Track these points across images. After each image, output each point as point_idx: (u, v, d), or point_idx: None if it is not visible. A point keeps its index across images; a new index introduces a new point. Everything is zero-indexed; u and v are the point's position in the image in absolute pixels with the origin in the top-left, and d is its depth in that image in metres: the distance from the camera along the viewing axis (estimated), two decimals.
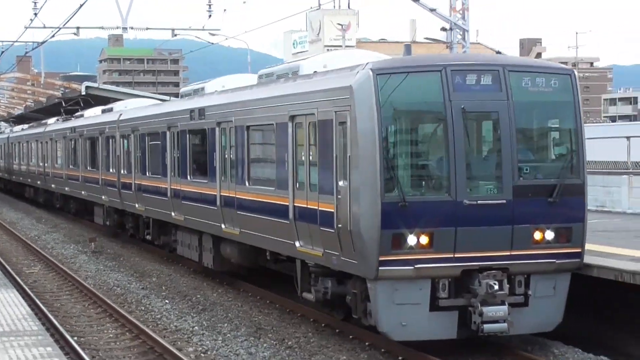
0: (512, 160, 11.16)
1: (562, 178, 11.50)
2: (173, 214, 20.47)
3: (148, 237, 24.18)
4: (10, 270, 24.03)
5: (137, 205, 23.88)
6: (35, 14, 29.85)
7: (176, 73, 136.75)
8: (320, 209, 12.26)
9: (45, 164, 41.31)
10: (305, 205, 13.02)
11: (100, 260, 26.72)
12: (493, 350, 12.45)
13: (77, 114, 40.51)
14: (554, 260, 11.48)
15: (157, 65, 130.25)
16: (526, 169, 11.47)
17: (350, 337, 14.19)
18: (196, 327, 15.89)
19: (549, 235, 11.38)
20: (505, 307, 10.94)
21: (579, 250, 11.75)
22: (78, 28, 35.86)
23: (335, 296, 12.87)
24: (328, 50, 25.11)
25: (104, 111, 31.52)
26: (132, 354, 13.96)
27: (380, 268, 10.62)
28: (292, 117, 13.47)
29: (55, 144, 38.27)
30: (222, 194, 17.05)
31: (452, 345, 12.43)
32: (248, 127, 15.76)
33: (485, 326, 10.76)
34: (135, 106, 27.35)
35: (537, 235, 11.32)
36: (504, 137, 11.19)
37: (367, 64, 11.33)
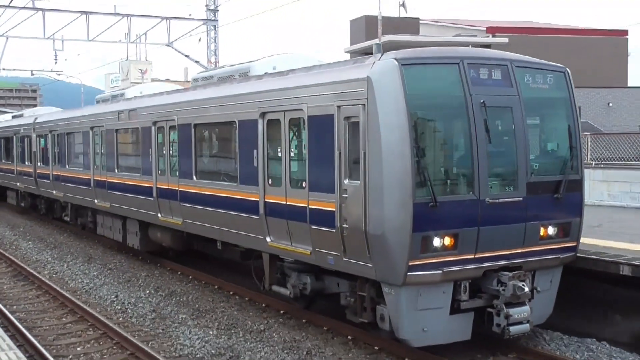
0: (526, 157, 10.26)
1: (566, 174, 10.71)
2: (96, 201, 20.48)
3: (66, 218, 25.22)
4: None
5: (54, 192, 24.55)
6: None
7: (35, 99, 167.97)
8: (311, 207, 10.82)
9: None
10: (282, 202, 11.67)
11: None
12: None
13: None
14: (558, 256, 10.78)
15: (22, 93, 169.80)
16: (535, 166, 10.56)
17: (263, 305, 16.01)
18: (49, 259, 21.15)
19: (551, 230, 10.60)
20: (528, 308, 10.01)
21: (575, 244, 11.05)
22: None
23: (314, 292, 11.82)
24: (132, 84, 30.64)
25: (14, 117, 33.72)
26: (8, 277, 18.61)
27: (408, 274, 9.26)
28: (263, 114, 12.08)
29: None
30: (158, 186, 16.46)
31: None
32: (195, 125, 14.73)
33: (512, 328, 9.77)
34: (48, 112, 28.77)
35: (542, 231, 10.51)
36: (518, 133, 10.22)
37: (382, 54, 9.92)
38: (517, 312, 9.86)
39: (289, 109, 11.53)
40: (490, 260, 10.03)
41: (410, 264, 9.36)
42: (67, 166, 23.07)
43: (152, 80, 28.57)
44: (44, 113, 28.40)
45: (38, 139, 26.26)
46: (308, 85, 11.16)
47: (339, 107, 10.24)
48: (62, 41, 35.42)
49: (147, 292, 16.31)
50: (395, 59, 9.62)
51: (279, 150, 11.95)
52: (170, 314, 14.28)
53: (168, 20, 35.34)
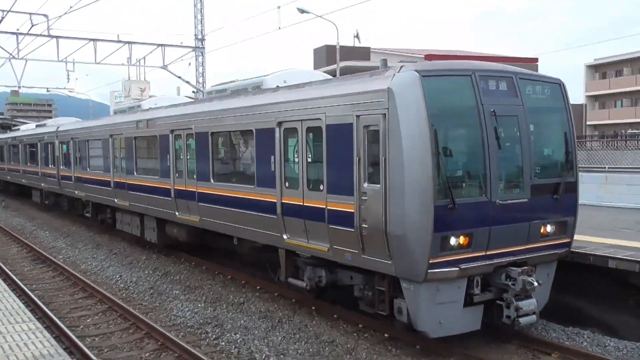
0: (530, 161, 9.49)
1: (563, 177, 9.94)
2: (116, 200, 19.19)
3: (87, 215, 23.88)
4: None
5: (76, 192, 23.34)
6: None
7: (50, 112, 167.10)
8: (329, 208, 9.88)
9: None
10: (299, 203, 10.67)
11: (8, 212, 31.25)
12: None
13: (14, 128, 40.86)
14: (557, 251, 10.04)
15: (39, 107, 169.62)
16: (538, 169, 9.73)
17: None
18: (63, 245, 20.95)
19: (550, 228, 9.81)
20: (534, 300, 9.30)
21: (569, 240, 10.25)
22: None
23: (328, 284, 10.92)
24: (134, 100, 30.53)
25: (38, 126, 32.32)
26: (28, 261, 18.33)
27: (429, 271, 8.49)
28: (280, 123, 11.03)
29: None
30: (175, 187, 15.18)
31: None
32: (212, 133, 13.54)
33: (522, 319, 9.09)
34: (69, 122, 27.39)
35: (543, 229, 9.76)
36: (523, 139, 9.44)
37: (401, 67, 9.04)
38: (525, 305, 9.15)
39: (306, 119, 10.50)
40: (499, 257, 9.20)
41: (430, 262, 8.51)
42: (88, 169, 21.95)
43: (150, 96, 28.35)
44: (65, 122, 27.30)
45: (61, 145, 25.16)
46: (326, 96, 10.13)
47: (357, 116, 9.28)
48: (73, 63, 34.76)
49: (146, 272, 16.16)
50: (416, 70, 8.71)
51: (295, 155, 11.03)
52: (166, 291, 14.19)
53: (163, 47, 35.03)
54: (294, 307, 12.25)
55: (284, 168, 11.12)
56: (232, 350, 10.00)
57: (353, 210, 9.33)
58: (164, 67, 35.47)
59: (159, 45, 35.17)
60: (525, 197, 9.40)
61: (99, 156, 20.66)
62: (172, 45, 35.93)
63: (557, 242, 9.99)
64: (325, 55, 53.65)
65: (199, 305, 12.79)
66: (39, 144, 28.30)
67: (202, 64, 37.77)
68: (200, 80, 37.42)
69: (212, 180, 13.64)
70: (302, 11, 31.48)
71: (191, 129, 14.47)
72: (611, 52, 63.22)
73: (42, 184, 28.28)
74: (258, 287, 13.89)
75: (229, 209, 12.98)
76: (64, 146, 24.48)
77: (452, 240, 8.63)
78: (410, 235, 8.48)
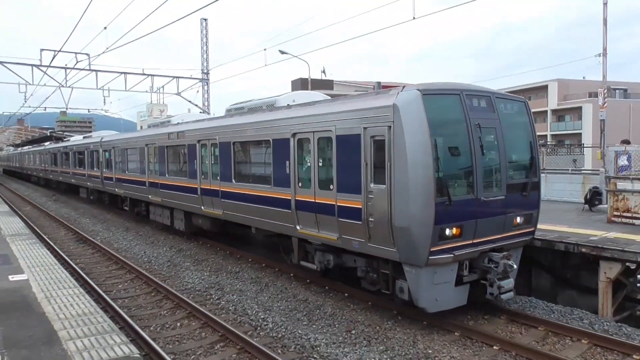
0: (506, 165, 8.87)
1: (530, 177, 9.31)
2: (150, 196, 18.26)
3: (125, 208, 22.61)
4: (13, 207, 27.69)
5: (116, 190, 22.36)
6: (25, 100, 33.75)
7: (90, 128, 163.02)
8: (339, 204, 9.15)
9: (46, 165, 39.76)
10: (311, 200, 9.91)
11: (57, 204, 30.29)
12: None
13: (65, 139, 39.93)
14: (525, 239, 9.41)
15: (81, 124, 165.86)
16: (511, 171, 9.09)
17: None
18: (100, 229, 20.08)
19: (520, 219, 9.18)
20: (512, 280, 8.76)
21: (533, 229, 9.59)
22: (45, 108, 40.35)
23: (336, 266, 10.09)
24: (155, 119, 29.96)
25: (84, 137, 31.03)
26: (73, 241, 17.63)
27: (430, 257, 7.88)
28: (294, 134, 10.29)
29: (53, 155, 36.82)
30: (202, 187, 14.23)
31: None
32: (234, 142, 12.67)
33: (502, 296, 8.57)
34: (110, 134, 26.67)
35: (515, 221, 9.10)
36: (500, 147, 8.82)
37: (403, 87, 8.34)
38: (505, 284, 8.60)
39: (317, 130, 9.73)
40: (483, 244, 8.59)
41: (431, 249, 7.86)
42: (127, 172, 20.83)
43: (168, 115, 27.95)
44: (107, 135, 26.34)
45: (104, 152, 24.17)
46: (337, 112, 9.33)
47: (365, 128, 8.54)
48: (109, 90, 33.95)
49: (165, 249, 15.85)
50: (418, 90, 8.02)
51: (308, 161, 10.15)
52: (179, 263, 13.97)
53: (177, 79, 34.67)
54: (277, 275, 12.16)
55: (298, 171, 10.37)
56: (230, 308, 9.88)
57: (361, 206, 8.67)
58: (178, 93, 35.08)
59: (174, 77, 34.78)
60: (503, 194, 8.79)
61: (136, 161, 19.74)
62: (184, 77, 35.58)
63: (525, 231, 9.40)
64: (300, 86, 53.54)
65: (205, 273, 12.60)
66: (85, 152, 27.46)
67: (207, 91, 37.46)
68: (206, 103, 37.19)
69: (233, 181, 12.76)
70: (283, 52, 31.37)
71: (215, 139, 13.57)
72: (505, 86, 64.21)
73: (88, 183, 27.42)
74: (250, 260, 13.78)
75: (248, 204, 12.10)
76: (107, 153, 23.66)
77: (447, 231, 8.02)
78: (414, 228, 7.82)
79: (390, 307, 9.48)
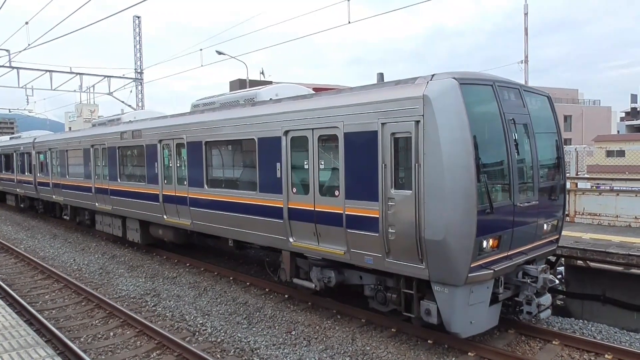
0: (537, 166, 7.75)
1: (558, 180, 8.28)
2: (97, 204, 16.20)
3: (65, 217, 20.27)
4: None
5: (54, 196, 19.97)
6: None
7: (12, 129, 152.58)
8: (347, 213, 7.78)
9: None
10: (309, 208, 8.50)
11: None
12: None
13: None
14: (552, 248, 8.34)
15: (1, 125, 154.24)
16: (542, 173, 7.95)
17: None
18: (24, 237, 18.85)
19: (547, 227, 8.09)
20: (549, 295, 7.82)
21: (558, 237, 8.52)
22: None
23: (337, 284, 8.69)
24: (85, 120, 28.50)
25: (12, 138, 28.52)
26: None
27: (469, 275, 6.64)
28: (287, 132, 8.80)
29: None
30: (164, 193, 12.47)
31: None
32: (206, 142, 10.98)
33: (542, 314, 7.62)
34: (43, 134, 24.12)
35: (544, 228, 8.04)
36: (532, 146, 7.69)
37: (433, 75, 6.91)
38: (544, 300, 7.57)
39: (318, 127, 8.24)
40: (517, 256, 7.42)
41: (472, 266, 6.62)
42: (67, 176, 18.61)
43: (98, 117, 26.34)
44: (40, 134, 23.92)
45: (37, 154, 21.94)
46: (344, 105, 7.85)
47: (383, 124, 7.21)
48: (32, 89, 31.90)
49: (97, 256, 15.12)
50: (454, 78, 6.68)
51: (305, 162, 8.57)
52: (113, 270, 13.38)
53: (109, 78, 33.13)
54: (216, 278, 11.94)
55: (291, 174, 8.82)
56: (167, 314, 9.59)
57: (377, 216, 7.30)
58: (110, 93, 33.56)
59: (105, 76, 33.22)
60: (536, 199, 7.64)
61: (79, 164, 17.61)
62: (116, 77, 34.07)
63: (551, 239, 8.32)
64: (238, 87, 52.94)
65: (140, 280, 12.15)
66: (14, 154, 24.93)
67: (141, 91, 36.25)
68: (140, 104, 35.95)
69: (205, 187, 11.03)
70: (220, 53, 30.88)
71: (182, 138, 11.77)
72: None
73: (18, 190, 25.00)
74: (187, 264, 13.45)
75: (225, 213, 10.43)
76: (41, 155, 21.50)
77: (484, 243, 6.77)
78: (452, 241, 6.52)
79: (329, 306, 9.46)
